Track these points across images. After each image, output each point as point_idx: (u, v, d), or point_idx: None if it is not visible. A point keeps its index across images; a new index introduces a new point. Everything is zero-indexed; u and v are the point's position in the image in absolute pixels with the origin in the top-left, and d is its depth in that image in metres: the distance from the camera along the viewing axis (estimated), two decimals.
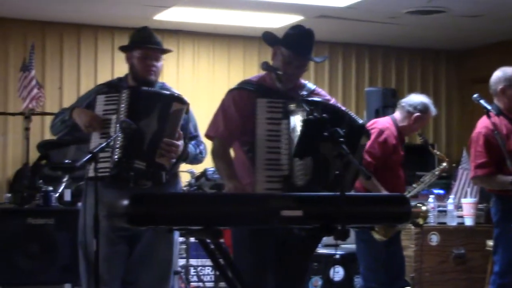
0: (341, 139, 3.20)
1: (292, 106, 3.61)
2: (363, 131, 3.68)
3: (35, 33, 7.55)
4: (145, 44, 4.03)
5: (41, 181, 5.62)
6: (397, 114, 5.07)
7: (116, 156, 3.76)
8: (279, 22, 7.52)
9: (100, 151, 3.59)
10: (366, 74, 8.98)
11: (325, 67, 8.80)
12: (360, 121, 3.66)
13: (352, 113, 3.69)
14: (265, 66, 3.72)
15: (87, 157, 3.51)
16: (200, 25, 7.81)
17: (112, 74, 7.45)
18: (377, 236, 4.78)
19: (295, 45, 3.72)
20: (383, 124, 4.99)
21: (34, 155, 6.49)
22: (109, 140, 3.66)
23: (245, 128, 3.71)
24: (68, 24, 7.69)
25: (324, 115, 3.48)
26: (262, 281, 3.64)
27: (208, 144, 4.01)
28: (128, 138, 3.74)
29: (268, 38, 3.83)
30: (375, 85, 8.74)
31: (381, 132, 4.92)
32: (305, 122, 3.48)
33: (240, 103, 3.74)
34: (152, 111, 3.90)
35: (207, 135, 3.86)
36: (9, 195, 6.34)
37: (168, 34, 8.06)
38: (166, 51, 4.12)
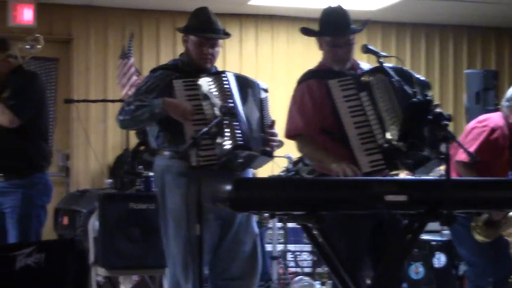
0: (447, 122, 3.15)
1: (364, 78, 3.66)
2: (428, 85, 3.79)
3: (132, 21, 7.67)
4: (202, 33, 3.93)
5: (141, 166, 5.70)
6: (505, 112, 4.85)
7: (229, 143, 3.72)
8: (376, 4, 7.41)
9: (202, 136, 3.59)
10: (465, 56, 8.75)
11: (421, 49, 8.63)
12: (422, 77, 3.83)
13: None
14: (364, 49, 3.72)
15: (189, 143, 3.53)
16: (294, 9, 7.77)
17: None
18: (479, 237, 4.61)
19: (332, 29, 3.76)
20: (495, 122, 4.74)
21: (133, 141, 6.62)
22: (211, 125, 3.65)
23: (323, 114, 3.71)
24: (164, 12, 7.79)
25: (428, 97, 3.46)
26: (358, 267, 3.60)
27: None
28: (232, 123, 3.71)
29: (309, 33, 3.90)
30: (474, 67, 8.50)
31: (492, 131, 4.70)
32: (409, 105, 3.45)
33: (312, 92, 3.76)
34: (246, 98, 3.89)
35: (288, 136, 3.84)
36: (110, 180, 6.49)
37: (262, 19, 8.07)
38: (224, 38, 4.07)
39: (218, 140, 3.70)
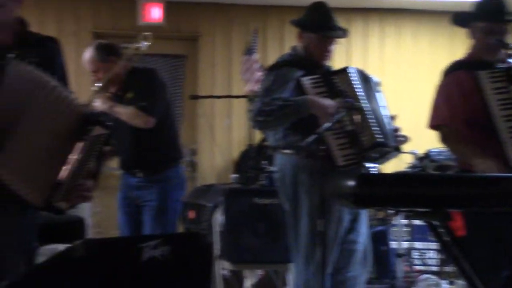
0: None
1: None
2: None
3: (257, 17, 7.73)
4: (325, 31, 3.92)
5: (265, 161, 5.74)
6: None
7: (368, 141, 3.72)
8: None
9: (325, 131, 3.59)
10: None
11: None
12: None
13: None
14: (498, 42, 3.62)
15: (313, 137, 3.52)
16: (421, 2, 7.61)
17: None
18: None
19: (490, 14, 3.66)
20: None
21: (258, 136, 6.66)
22: (334, 120, 3.63)
23: (471, 106, 3.62)
24: (289, 7, 7.79)
25: None
26: (498, 267, 3.49)
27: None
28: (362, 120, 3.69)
29: (461, 19, 3.78)
30: None
31: None
32: None
33: (461, 83, 3.67)
34: (370, 92, 3.85)
35: (432, 126, 3.77)
36: (235, 175, 6.57)
37: (387, 13, 7.94)
38: (346, 36, 4.03)
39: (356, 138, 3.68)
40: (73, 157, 2.85)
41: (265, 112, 3.84)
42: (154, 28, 6.88)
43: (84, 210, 6.43)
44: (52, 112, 2.85)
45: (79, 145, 2.85)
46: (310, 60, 3.96)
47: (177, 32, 7.64)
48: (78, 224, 5.51)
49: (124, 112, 4.41)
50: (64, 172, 2.85)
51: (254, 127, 3.98)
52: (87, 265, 2.32)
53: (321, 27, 3.93)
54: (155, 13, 7.32)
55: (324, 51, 3.95)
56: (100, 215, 6.71)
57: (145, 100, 4.39)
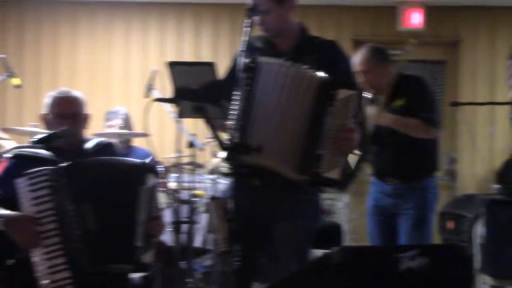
0: None
1: None
2: None
3: None
4: None
5: None
6: None
7: None
8: None
9: None
10: None
11: None
12: None
13: None
14: None
15: None
16: None
17: None
18: None
19: None
20: None
21: None
22: None
23: None
24: None
25: None
26: None
27: None
28: None
29: None
30: None
31: None
32: None
33: None
34: None
35: None
36: (497, 186, 6.28)
37: None
38: None
39: None
40: (329, 124, 2.87)
41: None
42: (413, 34, 6.80)
43: (341, 216, 6.50)
44: (294, 87, 2.89)
45: (331, 111, 2.86)
46: None
47: (437, 37, 7.48)
48: (335, 230, 5.57)
49: (407, 124, 4.35)
50: (324, 141, 2.86)
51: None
52: (343, 272, 2.32)
53: None
54: (415, 19, 7.23)
55: None
56: (356, 221, 6.73)
57: (423, 110, 4.31)
